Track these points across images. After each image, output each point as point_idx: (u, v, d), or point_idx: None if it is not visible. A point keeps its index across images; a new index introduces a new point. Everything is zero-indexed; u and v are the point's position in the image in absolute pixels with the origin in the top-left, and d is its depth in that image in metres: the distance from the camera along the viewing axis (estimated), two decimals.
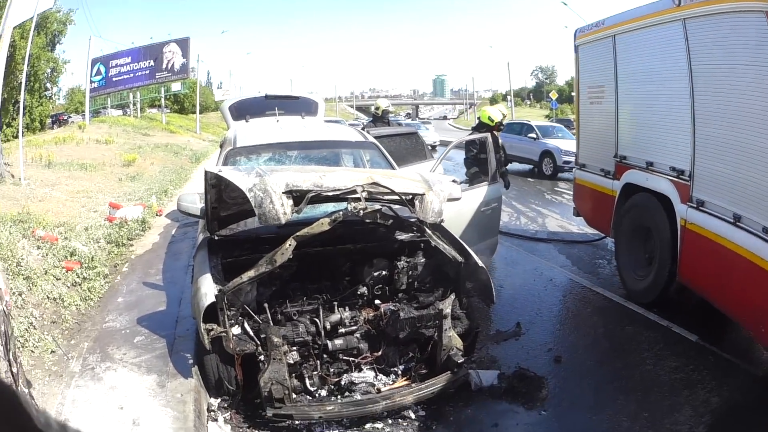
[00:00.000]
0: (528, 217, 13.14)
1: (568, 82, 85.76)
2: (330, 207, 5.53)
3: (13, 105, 30.37)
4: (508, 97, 75.07)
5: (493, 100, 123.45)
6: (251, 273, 4.65)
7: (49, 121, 42.79)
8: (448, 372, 4.99)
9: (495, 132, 9.60)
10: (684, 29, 6.28)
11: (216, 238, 5.70)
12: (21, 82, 20.83)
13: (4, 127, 29.56)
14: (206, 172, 4.96)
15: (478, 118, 9.56)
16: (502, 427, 4.81)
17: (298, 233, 4.68)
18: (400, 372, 5.16)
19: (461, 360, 4.99)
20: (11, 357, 3.28)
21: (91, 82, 45.68)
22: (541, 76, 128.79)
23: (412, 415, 4.92)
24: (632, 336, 6.47)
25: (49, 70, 38.26)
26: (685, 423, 4.67)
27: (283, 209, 4.51)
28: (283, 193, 4.56)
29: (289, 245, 4.64)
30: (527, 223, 9.40)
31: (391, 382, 5.06)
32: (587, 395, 5.28)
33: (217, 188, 5.16)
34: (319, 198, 4.77)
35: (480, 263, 5.33)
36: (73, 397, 4.82)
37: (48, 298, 6.80)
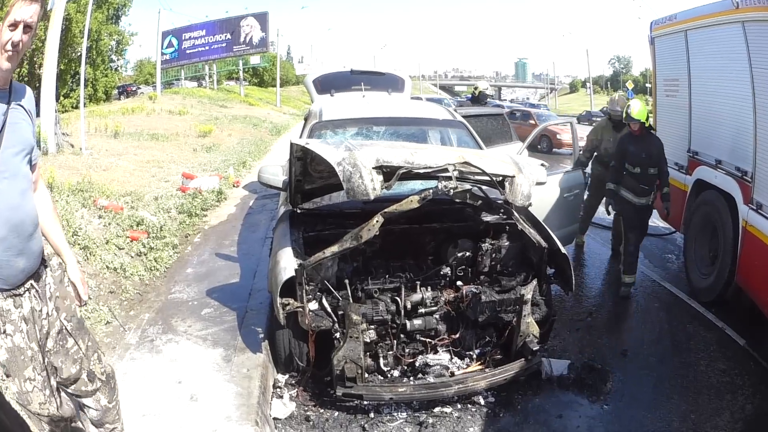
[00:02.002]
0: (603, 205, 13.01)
1: (643, 73, 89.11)
2: (417, 184, 5.64)
3: (72, 77, 31.81)
4: (588, 85, 76.92)
5: (572, 87, 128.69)
6: (334, 248, 4.68)
7: (115, 92, 44.64)
8: (522, 359, 5.03)
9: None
10: (743, 31, 6.49)
11: (298, 211, 5.79)
12: (80, 54, 21.79)
13: (62, 98, 31.02)
14: (292, 144, 4.98)
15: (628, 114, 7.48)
16: (566, 418, 4.90)
17: (386, 210, 4.69)
18: (475, 356, 5.22)
19: (536, 348, 5.02)
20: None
21: (163, 54, 47.66)
22: (617, 65, 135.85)
23: (482, 401, 5.01)
24: (692, 335, 6.70)
25: (114, 43, 39.98)
26: (723, 428, 4.83)
27: (373, 185, 4.51)
28: (373, 168, 4.56)
29: (377, 222, 4.65)
30: (602, 212, 9.35)
31: (465, 366, 5.11)
32: (646, 392, 5.41)
33: (303, 161, 5.19)
34: (409, 175, 4.78)
35: (563, 250, 5.36)
36: (124, 369, 4.83)
37: (107, 267, 6.90)
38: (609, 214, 8.53)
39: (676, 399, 5.25)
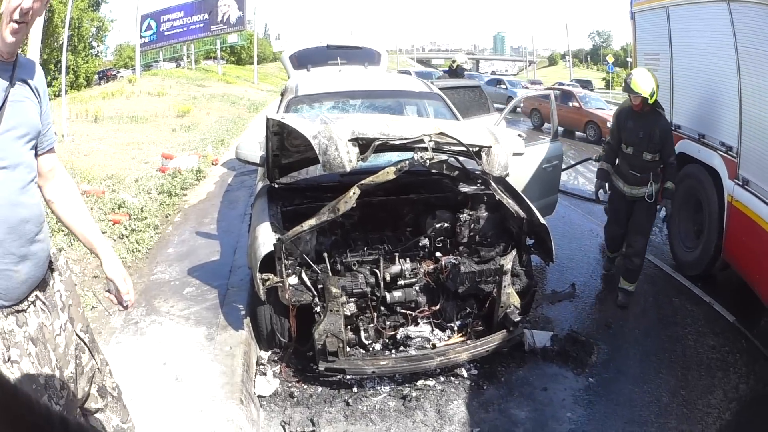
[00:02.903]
0: (586, 178, 13.26)
1: (623, 47, 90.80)
2: (394, 156, 5.59)
3: (55, 65, 31.41)
4: (566, 58, 77.96)
5: (551, 60, 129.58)
6: (312, 221, 4.63)
7: (96, 77, 44.41)
8: (504, 330, 5.00)
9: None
10: (729, 9, 6.42)
11: (276, 186, 5.74)
12: (62, 43, 21.58)
13: None
14: (268, 119, 4.93)
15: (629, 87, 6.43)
16: (551, 391, 4.88)
17: (362, 182, 4.64)
18: (456, 328, 5.20)
19: (518, 319, 4.99)
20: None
21: (142, 37, 47.05)
22: (597, 39, 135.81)
23: (465, 374, 4.98)
24: (677, 308, 6.64)
25: (94, 30, 39.67)
26: (716, 406, 4.77)
27: (349, 157, 4.44)
28: (348, 140, 4.49)
29: (353, 194, 4.60)
30: (585, 183, 9.35)
31: (446, 338, 5.10)
32: (632, 365, 5.39)
33: (279, 135, 5.14)
34: (385, 146, 4.71)
35: (542, 220, 5.30)
36: (111, 354, 4.68)
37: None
38: (598, 200, 7.61)
39: (664, 374, 5.23)
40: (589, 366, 5.24)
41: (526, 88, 39.71)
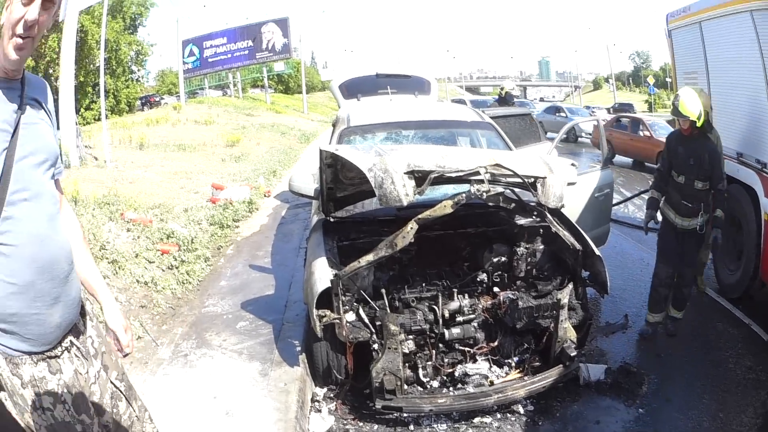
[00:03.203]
0: (636, 205, 13.27)
1: (662, 67, 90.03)
2: (449, 188, 5.72)
3: (93, 88, 32.52)
4: (610, 81, 78.99)
5: (596, 84, 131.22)
6: (370, 257, 4.72)
7: (138, 103, 45.85)
8: (561, 365, 5.06)
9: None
10: (752, 20, 6.50)
11: (331, 219, 5.86)
12: (98, 66, 22.33)
13: (83, 110, 31.66)
14: (321, 151, 5.05)
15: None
16: (604, 424, 4.96)
17: (420, 216, 4.73)
18: (513, 364, 5.25)
19: (574, 353, 5.03)
20: None
21: (184, 63, 48.51)
22: (637, 60, 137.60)
23: (521, 410, 5.06)
24: (721, 333, 6.74)
25: (133, 53, 41.03)
26: (746, 424, 4.90)
27: (405, 190, 4.55)
28: (404, 173, 4.61)
29: (411, 228, 4.69)
30: (635, 211, 9.35)
31: (504, 374, 5.15)
32: (679, 393, 5.47)
33: (333, 168, 5.27)
34: (441, 179, 4.83)
35: (597, 251, 5.36)
36: (157, 385, 4.91)
37: (138, 282, 6.97)
38: (647, 231, 7.08)
39: (707, 399, 5.32)
40: (640, 396, 5.31)
41: (593, 113, 39.57)
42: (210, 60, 51.86)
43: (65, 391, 2.32)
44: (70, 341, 2.40)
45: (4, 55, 2.15)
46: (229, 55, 52.11)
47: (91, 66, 32.88)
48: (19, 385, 2.22)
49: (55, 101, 13.15)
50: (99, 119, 20.47)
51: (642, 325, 6.73)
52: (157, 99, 55.30)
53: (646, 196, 7.20)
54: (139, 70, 45.10)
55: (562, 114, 34.06)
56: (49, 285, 2.21)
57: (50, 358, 2.29)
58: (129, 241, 8.22)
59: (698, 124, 6.07)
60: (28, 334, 2.19)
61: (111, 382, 2.61)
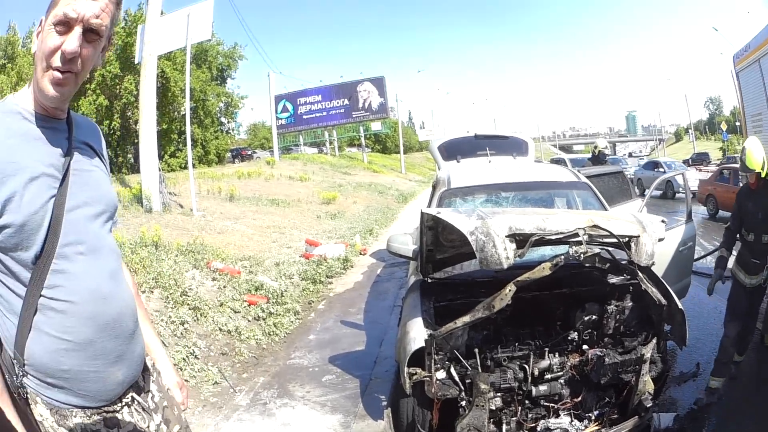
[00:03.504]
0: (713, 255, 12.86)
1: (732, 111, 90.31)
2: (546, 249, 5.91)
3: (179, 136, 33.82)
4: (689, 131, 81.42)
5: (677, 135, 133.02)
6: (466, 318, 4.84)
7: (228, 155, 47.20)
8: (636, 417, 5.15)
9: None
10: None
11: (429, 280, 6.04)
12: (183, 114, 23.28)
13: (167, 156, 32.87)
14: (423, 214, 5.23)
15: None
16: None
17: (518, 278, 4.84)
18: (593, 417, 5.33)
19: (650, 404, 5.13)
20: None
21: (278, 118, 50.06)
22: (711, 107, 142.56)
23: None
24: None
25: (222, 105, 42.56)
26: None
27: (506, 253, 4.70)
28: (506, 236, 4.76)
29: (509, 291, 4.80)
30: (710, 260, 9.26)
31: (583, 428, 5.23)
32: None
33: (434, 230, 5.47)
34: (541, 241, 4.96)
35: (680, 306, 5.41)
36: (229, 430, 5.09)
37: (220, 329, 7.21)
38: (710, 293, 6.99)
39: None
40: None
41: (690, 167, 39.05)
42: (305, 117, 53.52)
43: None
44: (132, 397, 2.35)
45: (40, 89, 2.04)
46: (325, 113, 53.77)
47: (176, 114, 34.12)
48: None
49: (135, 145, 14.16)
50: (185, 167, 21.23)
51: (701, 390, 6.58)
52: (249, 152, 57.04)
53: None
54: (229, 122, 46.56)
55: (661, 169, 33.44)
56: (113, 343, 2.17)
57: (108, 413, 2.23)
58: (214, 290, 8.49)
59: (763, 175, 6.09)
60: (83, 390, 2.13)
61: None
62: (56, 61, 1.97)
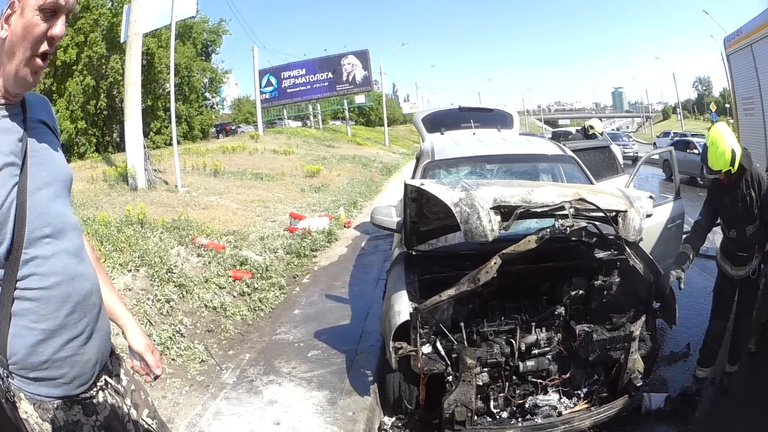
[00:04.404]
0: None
1: (722, 93, 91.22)
2: (532, 223, 5.83)
3: (164, 112, 33.53)
4: (677, 110, 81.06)
5: (665, 113, 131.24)
6: (451, 291, 4.81)
7: (213, 130, 46.95)
8: (626, 396, 5.18)
9: None
10: None
11: (413, 253, 6.00)
12: (168, 91, 23.10)
13: (153, 134, 32.68)
14: (406, 185, 5.17)
15: None
16: None
17: (504, 251, 4.82)
18: (582, 394, 5.35)
19: (640, 383, 5.15)
20: None
21: (262, 93, 49.84)
22: (700, 88, 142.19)
23: None
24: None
25: (206, 80, 42.20)
26: None
27: (491, 226, 4.65)
28: (491, 208, 4.71)
29: (495, 263, 4.78)
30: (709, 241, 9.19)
31: (572, 405, 5.24)
32: (729, 419, 5.61)
33: (418, 202, 5.41)
34: (526, 214, 4.92)
35: (669, 283, 5.50)
36: (217, 408, 5.04)
37: (206, 306, 7.16)
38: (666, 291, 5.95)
39: (746, 420, 5.43)
40: (693, 422, 5.43)
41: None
42: (289, 91, 53.38)
43: None
44: (105, 380, 2.38)
45: (16, 78, 2.03)
46: (309, 87, 53.62)
47: (161, 90, 33.74)
48: (50, 431, 2.14)
49: (121, 124, 14.01)
50: (170, 144, 21.03)
51: (687, 386, 6.23)
52: (233, 127, 56.68)
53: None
54: (213, 98, 46.19)
55: (695, 151, 25.51)
56: (84, 323, 2.18)
57: (85, 400, 2.26)
58: (199, 266, 8.43)
59: (734, 171, 5.78)
60: (63, 379, 2.14)
61: (143, 419, 2.58)
62: (44, 47, 1.98)
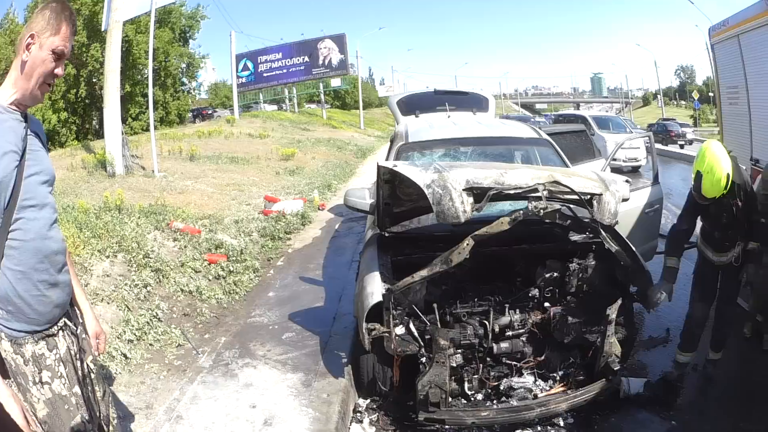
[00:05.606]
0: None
1: (705, 82, 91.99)
2: (506, 205, 5.69)
3: (143, 98, 33.20)
4: (658, 97, 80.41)
5: (645, 99, 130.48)
6: (424, 273, 4.75)
7: (189, 115, 46.45)
8: (604, 379, 5.09)
9: None
10: None
11: (386, 234, 5.93)
12: (146, 76, 22.87)
13: (130, 120, 32.44)
14: (379, 167, 5.11)
15: None
16: None
17: (476, 232, 4.75)
18: (558, 377, 5.27)
19: (617, 367, 5.06)
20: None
21: (238, 77, 49.50)
22: (683, 76, 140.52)
23: (561, 422, 5.13)
24: (755, 346, 6.58)
25: (184, 65, 41.83)
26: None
27: (463, 207, 4.60)
28: (463, 190, 4.65)
29: (467, 245, 4.71)
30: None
31: (548, 388, 5.18)
32: (713, 406, 5.65)
33: (391, 183, 5.33)
34: (499, 196, 4.86)
35: (646, 267, 5.40)
36: (194, 393, 4.98)
37: (182, 290, 7.09)
38: (649, 311, 6.20)
39: (731, 407, 5.45)
40: (675, 408, 5.36)
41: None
42: (265, 75, 52.95)
43: (61, 366, 2.74)
44: (65, 322, 2.84)
45: (32, 96, 2.68)
46: (285, 71, 53.24)
47: (139, 76, 33.39)
48: (21, 363, 2.63)
49: (100, 111, 13.87)
50: (147, 130, 20.88)
51: (668, 373, 6.11)
52: (210, 112, 56.32)
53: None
54: (190, 82, 45.74)
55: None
56: (50, 272, 2.70)
57: (48, 336, 2.71)
58: (175, 250, 8.35)
59: (725, 192, 5.47)
60: (32, 314, 2.63)
61: (87, 363, 2.95)
62: (50, 78, 2.67)
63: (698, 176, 5.50)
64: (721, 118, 9.94)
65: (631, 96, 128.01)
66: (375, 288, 4.91)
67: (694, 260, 6.45)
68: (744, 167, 7.64)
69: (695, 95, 64.97)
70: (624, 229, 6.70)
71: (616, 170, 14.82)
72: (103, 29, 17.94)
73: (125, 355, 5.44)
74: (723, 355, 6.29)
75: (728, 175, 5.35)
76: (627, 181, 6.11)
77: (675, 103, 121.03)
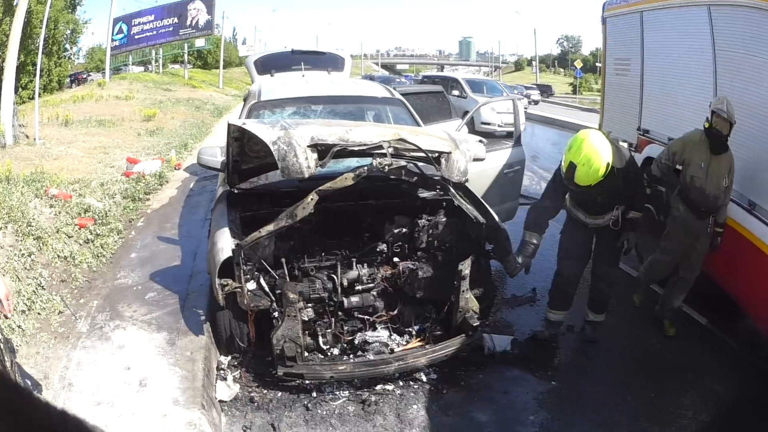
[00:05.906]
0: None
1: (593, 52, 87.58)
2: (354, 162, 5.47)
3: (33, 67, 30.73)
4: (533, 63, 78.05)
5: (518, 65, 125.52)
6: (270, 227, 4.56)
7: (67, 80, 43.59)
8: (463, 335, 4.90)
9: None
10: (709, 15, 6.23)
11: (236, 191, 5.63)
12: (39, 45, 21.21)
13: (20, 89, 30.07)
14: (229, 125, 4.86)
15: None
16: (513, 394, 4.78)
17: (320, 187, 4.57)
18: (414, 333, 5.09)
19: (476, 323, 4.87)
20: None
21: (113, 40, 46.50)
22: (566, 45, 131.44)
23: (424, 378, 4.88)
24: (645, 312, 6.21)
25: (68, 32, 38.86)
26: (690, 407, 4.68)
27: (307, 163, 4.42)
28: (307, 146, 4.46)
29: (311, 199, 4.54)
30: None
31: (405, 343, 4.99)
32: (597, 368, 5.33)
33: (240, 141, 5.06)
34: (344, 152, 4.68)
35: (502, 225, 5.22)
36: (78, 359, 4.66)
37: (59, 257, 6.64)
38: (512, 275, 5.54)
39: (632, 375, 5.14)
40: (552, 369, 5.14)
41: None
42: (136, 37, 49.93)
43: None
44: None
45: None
46: (155, 32, 50.29)
47: (32, 46, 30.90)
48: None
49: None
50: (33, 98, 19.38)
51: (584, 332, 5.75)
52: (85, 76, 53.12)
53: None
54: (71, 48, 42.47)
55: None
56: None
57: None
58: (51, 216, 7.81)
59: (602, 178, 4.81)
60: None
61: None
62: None
63: (571, 166, 4.79)
64: (603, 87, 9.77)
65: (503, 61, 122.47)
66: (225, 244, 4.65)
67: (558, 219, 5.82)
68: (627, 142, 7.72)
69: (578, 64, 62.56)
70: (481, 189, 6.50)
71: (488, 135, 14.41)
72: (15, 2, 16.33)
73: (20, 327, 5.01)
74: (611, 320, 5.88)
75: (608, 164, 4.74)
76: (481, 141, 6.05)
77: (553, 70, 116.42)
